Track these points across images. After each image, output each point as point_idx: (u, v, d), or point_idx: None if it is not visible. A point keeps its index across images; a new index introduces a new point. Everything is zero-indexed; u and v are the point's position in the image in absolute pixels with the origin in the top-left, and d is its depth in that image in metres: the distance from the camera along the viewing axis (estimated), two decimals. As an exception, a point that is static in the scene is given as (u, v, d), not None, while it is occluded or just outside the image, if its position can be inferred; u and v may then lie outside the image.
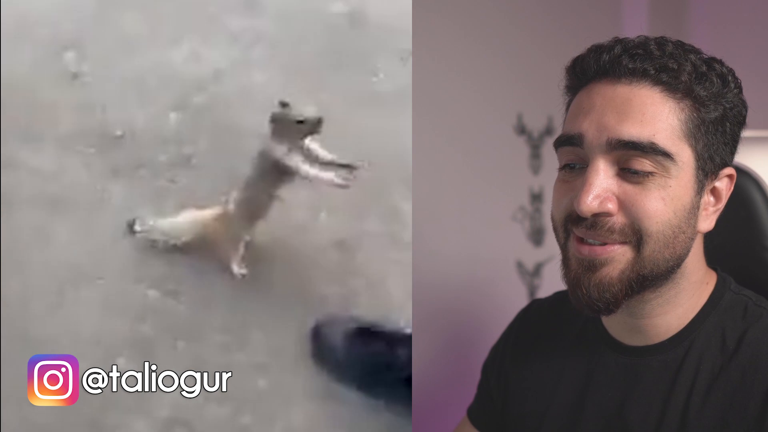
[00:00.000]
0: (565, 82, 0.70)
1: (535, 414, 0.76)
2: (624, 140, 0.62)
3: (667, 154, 0.62)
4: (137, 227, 0.87)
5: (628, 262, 0.64)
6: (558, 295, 0.84)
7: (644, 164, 0.62)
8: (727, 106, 0.65)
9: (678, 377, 0.67)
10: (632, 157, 0.63)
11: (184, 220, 0.87)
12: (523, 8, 1.48)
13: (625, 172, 0.63)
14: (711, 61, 0.66)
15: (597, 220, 0.64)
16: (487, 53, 1.41)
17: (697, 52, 0.66)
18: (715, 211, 0.68)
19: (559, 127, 0.72)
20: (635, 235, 0.63)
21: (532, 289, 1.51)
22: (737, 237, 0.83)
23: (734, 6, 1.83)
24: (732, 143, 0.67)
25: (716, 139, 0.65)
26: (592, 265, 0.65)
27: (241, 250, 0.85)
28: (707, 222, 0.67)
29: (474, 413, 0.87)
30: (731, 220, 0.81)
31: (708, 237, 0.70)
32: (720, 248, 0.74)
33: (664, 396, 0.67)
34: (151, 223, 0.87)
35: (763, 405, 0.62)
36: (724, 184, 0.67)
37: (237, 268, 0.85)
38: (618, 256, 0.64)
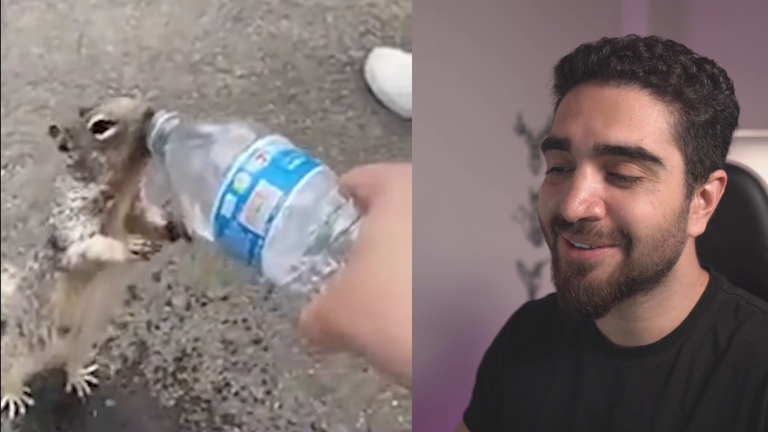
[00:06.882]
0: (554, 82, 0.69)
1: (528, 417, 0.76)
2: (611, 145, 0.61)
3: (655, 159, 0.61)
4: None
5: (618, 265, 0.63)
6: (552, 297, 0.82)
7: (632, 169, 0.61)
8: (718, 108, 0.63)
9: (670, 379, 0.66)
10: (620, 162, 0.61)
11: None
12: (523, 8, 1.48)
13: (613, 177, 0.62)
14: (702, 62, 0.64)
15: (584, 224, 0.63)
16: (487, 53, 1.41)
17: (687, 52, 0.64)
18: (706, 215, 0.66)
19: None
20: (624, 238, 0.62)
21: (532, 289, 1.51)
22: (737, 237, 0.83)
23: (734, 6, 1.83)
24: (723, 145, 0.65)
25: (706, 141, 0.63)
26: (582, 269, 0.64)
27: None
28: (698, 225, 0.66)
29: (470, 417, 0.87)
30: (731, 220, 0.81)
31: (708, 237, 0.69)
32: (720, 248, 0.73)
33: (656, 399, 0.66)
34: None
35: (755, 403, 0.61)
36: (714, 187, 0.66)
37: None
38: (608, 259, 0.63)
